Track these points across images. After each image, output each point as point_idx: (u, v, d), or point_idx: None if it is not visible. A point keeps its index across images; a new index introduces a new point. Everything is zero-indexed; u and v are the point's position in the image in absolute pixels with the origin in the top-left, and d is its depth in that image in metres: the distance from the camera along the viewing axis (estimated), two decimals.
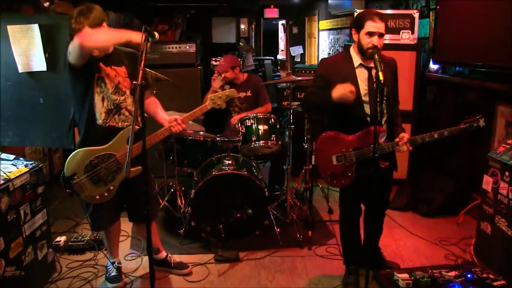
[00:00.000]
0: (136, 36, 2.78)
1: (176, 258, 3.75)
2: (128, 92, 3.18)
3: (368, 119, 3.08)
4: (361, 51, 3.07)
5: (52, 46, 3.66)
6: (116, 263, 3.53)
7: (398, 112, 3.31)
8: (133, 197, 3.26)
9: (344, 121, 3.13)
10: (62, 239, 4.02)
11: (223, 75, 4.89)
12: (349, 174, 3.15)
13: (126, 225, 4.33)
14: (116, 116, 3.13)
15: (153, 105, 3.41)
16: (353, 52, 3.15)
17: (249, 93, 5.01)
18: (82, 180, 3.04)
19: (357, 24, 3.08)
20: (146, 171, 2.61)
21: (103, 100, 3.07)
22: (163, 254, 3.70)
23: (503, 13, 3.87)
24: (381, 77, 2.79)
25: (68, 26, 3.65)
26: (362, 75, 3.11)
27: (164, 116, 3.32)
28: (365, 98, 3.09)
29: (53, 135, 3.81)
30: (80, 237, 4.03)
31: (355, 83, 3.07)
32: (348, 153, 3.12)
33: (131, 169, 2.78)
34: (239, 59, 7.91)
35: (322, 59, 3.40)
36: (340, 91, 2.96)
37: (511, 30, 3.77)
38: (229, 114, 5.11)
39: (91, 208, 3.21)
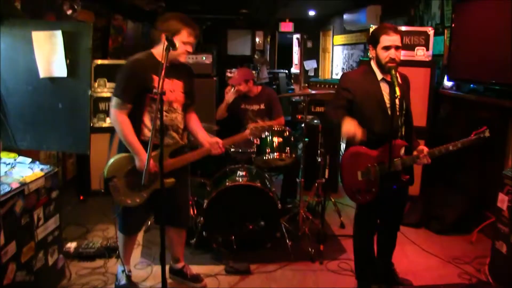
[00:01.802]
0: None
1: (193, 270, 3.70)
2: (180, 109, 3.25)
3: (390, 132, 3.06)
4: (380, 65, 3.09)
5: (73, 53, 3.69)
6: (127, 271, 3.52)
7: (412, 126, 3.31)
8: (169, 204, 3.24)
9: (368, 137, 3.10)
10: (72, 245, 4.02)
11: (236, 88, 4.91)
12: (373, 189, 3.13)
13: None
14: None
15: (194, 121, 3.45)
16: (374, 66, 3.17)
17: (262, 106, 5.01)
18: (119, 184, 3.11)
19: (373, 39, 3.12)
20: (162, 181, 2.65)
21: (152, 119, 3.11)
22: (181, 264, 3.67)
23: None
24: (398, 92, 2.84)
25: (89, 34, 3.73)
26: (384, 89, 3.12)
27: (205, 136, 3.37)
28: (389, 112, 3.09)
29: (69, 141, 3.83)
30: (91, 244, 4.03)
31: (380, 96, 3.09)
32: (373, 168, 3.11)
33: (166, 180, 3.02)
34: (254, 72, 7.97)
35: (344, 73, 3.40)
36: (349, 128, 2.95)
37: None
38: (242, 127, 5.12)
39: (120, 210, 3.27)
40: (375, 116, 3.09)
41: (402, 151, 3.12)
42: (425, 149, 3.10)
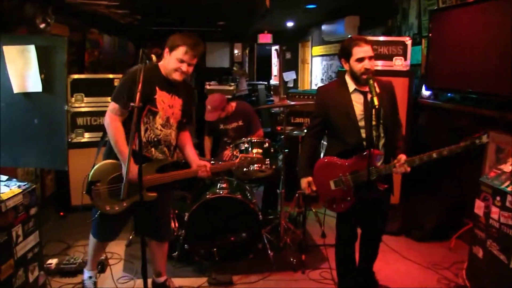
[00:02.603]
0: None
1: (175, 283, 3.69)
2: (175, 126, 3.27)
3: (365, 143, 3.08)
4: (355, 77, 3.10)
5: (48, 67, 3.67)
6: (93, 277, 3.54)
7: (399, 135, 3.29)
8: (151, 216, 3.28)
9: (342, 147, 3.15)
10: (53, 261, 3.97)
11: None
12: (348, 198, 3.15)
13: (119, 248, 4.32)
14: (153, 149, 3.19)
15: (187, 140, 3.50)
16: (348, 78, 3.18)
17: (240, 123, 5.01)
18: (102, 189, 3.11)
19: (345, 53, 3.12)
20: (141, 194, 2.64)
21: (146, 130, 3.14)
22: (164, 278, 3.65)
23: (494, 40, 3.96)
24: (376, 102, 2.84)
25: (63, 48, 3.71)
26: (357, 100, 3.13)
27: (195, 158, 3.42)
28: (361, 124, 3.10)
29: (47, 157, 3.79)
30: (72, 260, 3.98)
31: (350, 108, 3.11)
32: (345, 178, 3.13)
33: (149, 194, 3.11)
34: (232, 84, 7.98)
35: (318, 87, 3.43)
36: (302, 184, 3.28)
37: (501, 57, 3.85)
38: (221, 142, 5.11)
39: (97, 215, 3.26)
40: (346, 128, 3.12)
41: (379, 160, 3.13)
42: (403, 158, 3.07)
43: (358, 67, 3.05)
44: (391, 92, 3.25)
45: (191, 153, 3.45)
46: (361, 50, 3.04)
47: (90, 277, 3.52)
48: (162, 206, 3.37)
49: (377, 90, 3.00)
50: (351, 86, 3.16)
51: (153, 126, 3.14)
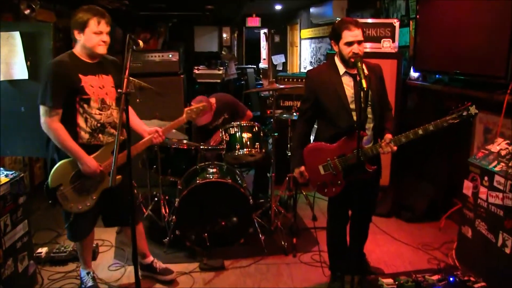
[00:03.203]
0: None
1: (162, 264, 3.69)
2: (114, 105, 3.19)
3: (355, 125, 3.06)
4: (344, 60, 3.09)
5: (34, 54, 3.62)
6: (91, 273, 3.50)
7: (389, 117, 3.27)
8: (117, 203, 3.22)
9: (333, 130, 3.14)
10: (43, 250, 3.95)
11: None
12: (339, 182, 3.15)
13: (109, 235, 4.31)
14: (100, 135, 3.12)
15: (130, 114, 3.38)
16: (337, 61, 3.16)
17: (226, 115, 4.98)
18: (67, 191, 3.05)
19: (335, 35, 3.09)
20: (131, 179, 2.63)
21: (86, 120, 3.06)
22: (150, 259, 3.66)
23: (481, 22, 3.95)
24: (364, 84, 2.81)
25: (49, 34, 3.65)
26: (348, 83, 3.12)
27: (144, 127, 3.34)
28: (352, 106, 3.09)
29: (34, 145, 3.75)
30: (62, 248, 3.96)
31: (341, 91, 3.09)
32: (332, 161, 3.13)
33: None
34: (220, 69, 7.92)
35: (308, 71, 3.40)
36: (296, 173, 3.28)
37: (489, 39, 3.85)
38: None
39: (72, 218, 3.19)
40: (337, 111, 3.10)
41: (365, 142, 3.12)
42: (388, 137, 3.05)
43: (346, 51, 3.03)
44: (380, 75, 3.24)
45: (138, 124, 3.37)
46: (351, 34, 3.01)
47: (88, 273, 3.48)
48: (126, 189, 3.28)
49: (366, 72, 2.98)
50: (341, 68, 3.14)
51: (90, 113, 3.06)
